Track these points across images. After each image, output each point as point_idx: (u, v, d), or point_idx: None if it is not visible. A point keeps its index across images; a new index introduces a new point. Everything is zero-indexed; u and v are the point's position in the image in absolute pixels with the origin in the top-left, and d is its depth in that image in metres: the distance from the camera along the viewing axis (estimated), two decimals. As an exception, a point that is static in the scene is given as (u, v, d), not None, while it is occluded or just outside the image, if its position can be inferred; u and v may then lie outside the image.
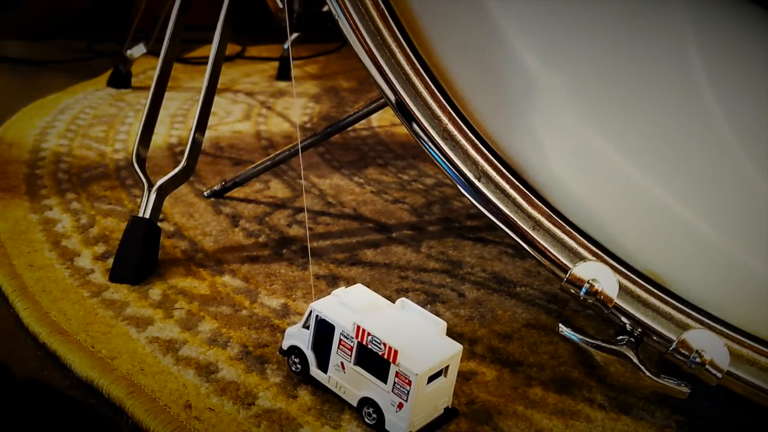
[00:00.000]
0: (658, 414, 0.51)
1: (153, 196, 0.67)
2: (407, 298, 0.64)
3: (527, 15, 0.49)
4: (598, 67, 0.48)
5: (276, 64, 1.59)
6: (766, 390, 0.46)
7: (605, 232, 0.49)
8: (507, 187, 0.49)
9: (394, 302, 0.51)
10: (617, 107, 0.48)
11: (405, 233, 0.79)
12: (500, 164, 0.49)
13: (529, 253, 0.49)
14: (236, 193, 0.87)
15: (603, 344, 0.47)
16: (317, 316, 0.49)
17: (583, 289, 0.46)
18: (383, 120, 1.24)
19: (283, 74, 1.55)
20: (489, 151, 0.49)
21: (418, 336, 0.48)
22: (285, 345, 0.52)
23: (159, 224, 0.68)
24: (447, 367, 0.47)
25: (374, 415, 0.47)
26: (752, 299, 0.47)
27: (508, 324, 0.61)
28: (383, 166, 1.01)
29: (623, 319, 0.47)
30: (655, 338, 0.47)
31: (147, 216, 0.65)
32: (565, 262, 0.48)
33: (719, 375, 0.44)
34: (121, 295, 0.61)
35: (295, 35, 1.55)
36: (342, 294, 0.50)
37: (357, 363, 0.47)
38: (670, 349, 0.45)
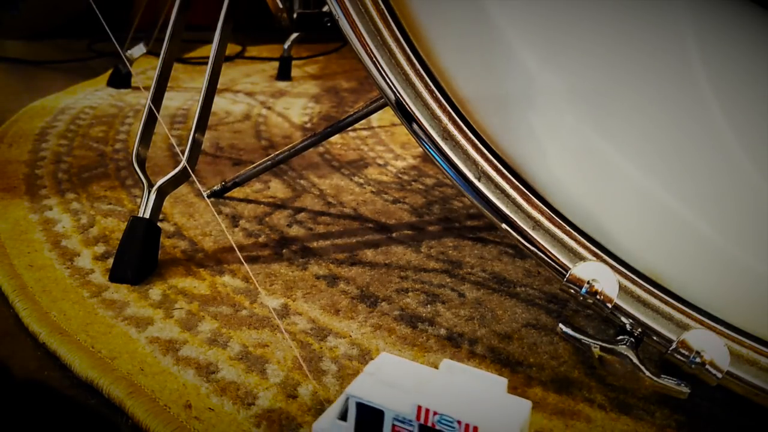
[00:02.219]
0: (658, 414, 0.51)
1: (153, 196, 0.67)
2: (407, 298, 0.64)
3: (527, 15, 0.49)
4: (598, 66, 0.48)
5: (276, 64, 1.59)
6: (766, 390, 0.46)
7: (605, 232, 0.49)
8: (507, 187, 0.49)
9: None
10: (617, 107, 0.48)
11: (405, 233, 0.79)
12: (500, 164, 0.49)
13: (529, 253, 0.49)
14: (236, 193, 0.87)
15: (603, 344, 0.47)
16: (358, 402, 0.41)
17: (583, 289, 0.46)
18: (383, 120, 1.24)
19: (283, 74, 1.55)
20: (489, 151, 0.49)
21: (484, 402, 0.41)
22: None
23: (159, 224, 0.68)
24: (524, 429, 0.41)
25: None
26: (752, 299, 0.47)
27: (508, 324, 0.61)
28: (383, 166, 1.01)
29: (623, 319, 0.47)
30: (655, 338, 0.47)
31: (147, 216, 0.65)
32: (565, 262, 0.48)
33: (719, 375, 0.44)
34: (121, 295, 0.61)
35: (295, 35, 1.56)
36: (376, 370, 0.42)
37: None
38: (670, 349, 0.45)
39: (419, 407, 0.39)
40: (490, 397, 0.41)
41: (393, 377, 0.41)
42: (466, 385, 0.42)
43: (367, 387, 0.41)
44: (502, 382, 0.42)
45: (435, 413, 0.39)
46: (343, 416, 0.41)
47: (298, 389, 0.51)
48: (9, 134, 1.03)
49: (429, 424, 0.39)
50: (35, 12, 1.77)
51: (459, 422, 0.38)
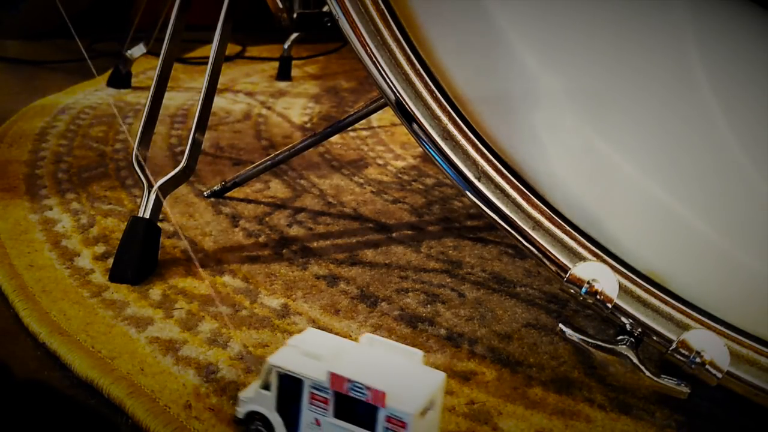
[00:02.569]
0: (658, 414, 0.51)
1: (153, 196, 0.67)
2: (407, 298, 0.64)
3: (527, 15, 0.49)
4: (598, 66, 0.48)
5: (276, 64, 1.59)
6: (766, 390, 0.46)
7: (605, 232, 0.49)
8: (507, 187, 0.49)
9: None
10: (617, 107, 0.48)
11: (405, 233, 0.79)
12: (500, 164, 0.49)
13: (529, 253, 0.49)
14: (236, 193, 0.87)
15: (603, 344, 0.47)
16: (279, 372, 0.43)
17: (583, 289, 0.46)
18: (383, 120, 1.24)
19: (283, 74, 1.55)
20: (489, 151, 0.49)
21: (398, 371, 0.43)
22: (242, 412, 0.45)
23: (159, 224, 0.68)
24: (436, 400, 0.44)
25: None
26: (752, 299, 0.47)
27: (508, 324, 0.61)
28: (383, 166, 1.01)
29: (623, 319, 0.47)
30: (655, 338, 0.47)
31: (147, 216, 0.65)
32: (565, 262, 0.48)
33: (719, 375, 0.44)
34: (121, 295, 0.61)
35: (295, 35, 1.55)
36: (299, 342, 0.45)
37: (336, 416, 0.42)
38: (670, 349, 0.45)
39: (333, 375, 0.41)
40: (404, 367, 0.44)
41: (314, 349, 0.44)
42: (383, 357, 0.44)
43: (287, 358, 0.43)
44: (419, 354, 0.44)
45: (348, 380, 0.41)
46: (267, 386, 0.44)
47: (298, 389, 0.51)
48: (9, 134, 1.03)
49: (343, 391, 0.41)
50: (35, 12, 1.77)
51: (369, 388, 0.40)
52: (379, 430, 0.41)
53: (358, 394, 0.41)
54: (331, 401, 0.42)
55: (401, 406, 0.40)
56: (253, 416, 0.45)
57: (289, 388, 0.43)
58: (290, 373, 0.43)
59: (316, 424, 0.43)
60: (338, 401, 0.42)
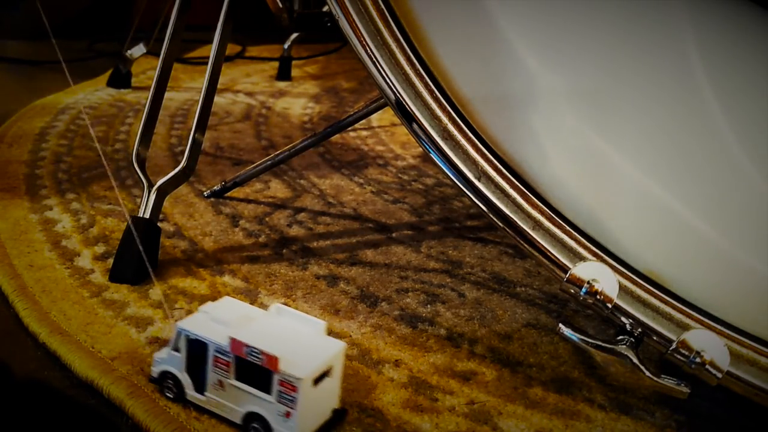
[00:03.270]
0: (658, 414, 0.51)
1: (153, 196, 0.67)
2: (407, 298, 0.64)
3: (527, 15, 0.49)
4: (598, 66, 0.48)
5: (276, 64, 1.59)
6: (766, 390, 0.46)
7: (605, 232, 0.49)
8: (507, 187, 0.49)
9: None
10: (617, 107, 0.48)
11: (405, 233, 0.79)
12: (500, 164, 0.49)
13: (529, 253, 0.49)
14: (236, 193, 0.87)
15: (603, 344, 0.47)
16: (187, 336, 0.46)
17: (583, 289, 0.46)
18: (383, 120, 1.24)
19: (283, 74, 1.55)
20: (489, 151, 0.49)
21: (298, 340, 0.46)
22: (155, 372, 0.48)
23: (159, 224, 0.68)
24: (332, 368, 0.46)
25: (261, 430, 0.45)
26: (752, 299, 0.47)
27: (508, 324, 0.61)
28: (383, 166, 1.01)
29: (623, 319, 0.47)
30: (655, 338, 0.47)
31: (147, 216, 0.65)
32: (565, 262, 0.48)
33: (719, 375, 0.44)
34: (121, 295, 0.61)
35: (295, 35, 1.55)
36: (210, 309, 0.48)
37: (237, 378, 0.45)
38: (670, 349, 0.45)
39: (233, 340, 0.44)
40: (304, 336, 0.47)
41: (222, 315, 0.47)
42: (286, 325, 0.47)
43: (196, 323, 0.47)
44: (322, 324, 0.47)
45: (246, 345, 0.44)
46: (177, 348, 0.47)
47: (298, 389, 0.51)
48: (9, 134, 1.03)
49: (242, 355, 0.44)
50: (35, 12, 1.77)
51: (263, 353, 0.43)
52: (274, 394, 0.44)
53: (255, 358, 0.44)
54: (233, 365, 0.45)
55: (293, 370, 0.43)
56: (166, 375, 0.48)
57: (197, 351, 0.46)
58: (197, 337, 0.46)
59: (220, 386, 0.46)
60: (239, 365, 0.45)
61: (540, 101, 0.49)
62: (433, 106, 0.49)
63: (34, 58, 1.56)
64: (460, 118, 0.50)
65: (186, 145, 0.70)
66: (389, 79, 0.50)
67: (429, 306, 0.63)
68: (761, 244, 0.46)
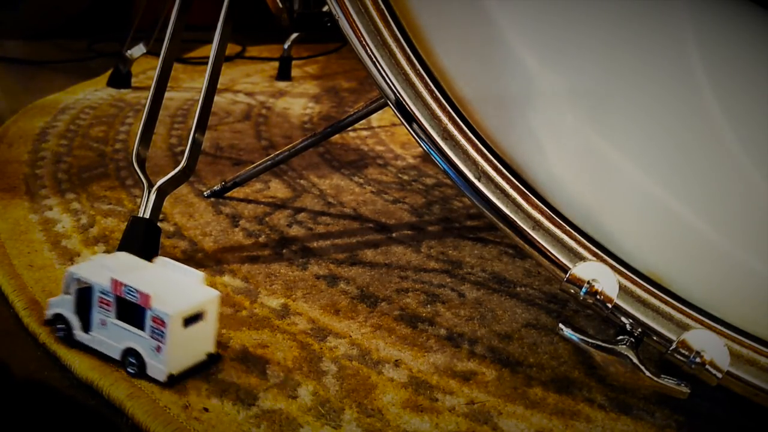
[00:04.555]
0: (658, 414, 0.51)
1: (153, 196, 0.67)
2: (407, 298, 0.64)
3: (527, 15, 0.49)
4: (598, 66, 0.48)
5: (276, 64, 1.59)
6: (766, 390, 0.46)
7: (605, 232, 0.49)
8: (507, 187, 0.49)
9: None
10: (617, 107, 0.48)
11: (405, 233, 0.79)
12: (500, 164, 0.49)
13: (529, 253, 0.49)
14: (236, 193, 0.87)
15: (603, 344, 0.47)
16: (76, 279, 0.51)
17: (583, 289, 0.46)
18: (383, 120, 1.24)
19: (283, 74, 1.55)
20: (489, 151, 0.49)
21: (174, 285, 0.51)
22: (49, 314, 0.53)
23: (159, 224, 0.68)
24: (205, 313, 0.50)
25: (136, 364, 0.49)
26: (752, 299, 0.47)
27: (508, 324, 0.61)
28: (383, 166, 1.01)
29: (623, 319, 0.47)
30: (655, 338, 0.47)
31: (147, 216, 0.65)
32: (565, 262, 0.48)
33: (719, 375, 0.44)
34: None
35: (295, 35, 1.55)
36: (100, 258, 0.53)
37: (118, 317, 0.50)
38: (670, 349, 0.45)
39: (113, 280, 0.49)
40: (181, 282, 0.51)
41: (110, 264, 0.51)
42: (167, 274, 0.52)
43: (85, 268, 0.52)
44: (200, 275, 0.52)
45: (124, 285, 0.49)
46: (68, 291, 0.52)
47: (298, 390, 0.51)
48: (9, 134, 1.03)
49: (120, 294, 0.49)
50: (35, 12, 1.77)
51: (138, 291, 0.48)
52: (147, 329, 0.49)
53: (132, 297, 0.48)
54: (113, 304, 0.50)
55: (163, 307, 0.48)
56: (58, 317, 0.53)
57: (84, 293, 0.51)
58: (83, 279, 0.51)
59: (103, 325, 0.51)
60: (119, 304, 0.50)
61: (540, 101, 0.49)
62: (433, 106, 0.49)
63: (34, 58, 1.56)
64: (460, 118, 0.50)
65: (186, 145, 0.70)
66: (389, 79, 0.50)
67: (429, 306, 0.63)
68: (761, 244, 0.46)
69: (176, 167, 0.69)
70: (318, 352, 0.55)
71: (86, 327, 0.51)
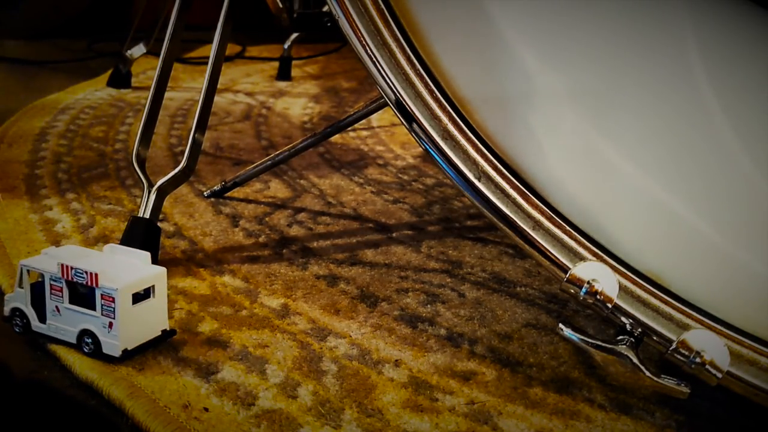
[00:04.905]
0: (658, 414, 0.51)
1: (153, 196, 0.67)
2: (407, 298, 0.64)
3: (527, 15, 0.49)
4: (598, 66, 0.48)
5: (276, 64, 1.59)
6: (766, 390, 0.46)
7: (605, 232, 0.49)
8: (507, 187, 0.49)
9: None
10: (617, 107, 0.48)
11: (405, 233, 0.79)
12: (500, 164, 0.49)
13: (529, 253, 0.49)
14: (236, 193, 0.87)
15: (603, 344, 0.47)
16: (27, 270, 0.53)
17: (583, 289, 0.46)
18: (383, 120, 1.24)
19: (283, 74, 1.55)
20: (489, 151, 0.49)
21: (121, 265, 0.53)
22: (7, 311, 0.54)
23: (159, 224, 0.68)
24: (153, 289, 0.52)
25: (91, 343, 0.51)
26: (752, 299, 0.47)
27: (508, 324, 0.61)
28: (383, 166, 1.01)
29: (623, 319, 0.47)
30: (655, 338, 0.47)
31: (147, 216, 0.65)
32: (565, 262, 0.48)
33: (719, 375, 0.44)
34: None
35: (295, 35, 1.55)
36: (51, 250, 0.54)
37: (70, 301, 0.51)
38: (670, 349, 0.45)
39: (62, 265, 0.51)
40: (128, 263, 0.54)
41: (59, 253, 0.54)
42: (114, 258, 0.54)
43: (36, 260, 0.53)
44: (146, 255, 0.54)
45: (72, 268, 0.50)
46: (21, 285, 0.53)
47: (298, 389, 0.51)
48: (9, 134, 1.03)
49: (70, 278, 0.51)
50: (35, 12, 1.77)
51: (86, 272, 0.50)
52: (98, 308, 0.50)
53: (80, 278, 0.50)
54: (65, 290, 0.52)
55: (110, 283, 0.50)
56: (15, 312, 0.54)
57: (38, 284, 0.53)
58: (35, 270, 0.53)
59: (57, 311, 0.52)
60: (70, 289, 0.52)
61: (540, 100, 0.49)
62: (433, 106, 0.49)
63: (34, 58, 1.56)
64: (460, 118, 0.50)
65: (186, 145, 0.70)
66: (389, 79, 0.50)
67: (429, 306, 0.63)
68: (761, 244, 0.46)
69: (176, 167, 0.69)
70: (318, 352, 0.55)
71: (42, 317, 0.53)
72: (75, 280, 0.50)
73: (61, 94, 1.28)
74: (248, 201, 0.85)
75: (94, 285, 0.50)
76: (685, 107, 0.47)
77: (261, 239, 0.75)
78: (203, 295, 0.63)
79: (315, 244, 0.75)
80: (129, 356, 0.51)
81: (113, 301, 0.50)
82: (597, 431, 0.49)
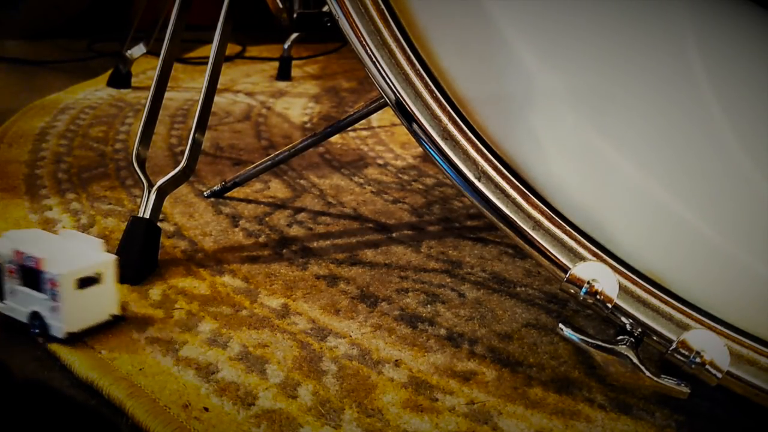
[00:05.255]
0: (658, 414, 0.51)
1: (153, 196, 0.67)
2: (407, 298, 0.64)
3: (527, 15, 0.49)
4: (598, 66, 0.48)
5: (276, 64, 1.59)
6: (766, 390, 0.46)
7: (605, 232, 0.49)
8: (507, 187, 0.49)
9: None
10: (617, 107, 0.48)
11: (405, 233, 0.79)
12: (500, 164, 0.49)
13: (529, 253, 0.49)
14: (236, 193, 0.87)
15: (603, 344, 0.47)
16: None
17: (583, 289, 0.46)
18: (383, 120, 1.24)
19: (283, 74, 1.55)
20: (489, 151, 0.49)
21: (71, 251, 0.55)
22: None
23: (159, 224, 0.68)
24: (102, 275, 0.54)
25: (39, 325, 0.54)
26: (752, 299, 0.47)
27: (508, 324, 0.61)
28: (383, 166, 1.01)
29: (623, 319, 0.47)
30: (655, 338, 0.47)
31: (147, 216, 0.65)
32: (565, 262, 0.48)
33: (719, 375, 0.44)
34: (121, 295, 0.61)
35: (295, 35, 1.56)
36: (11, 234, 0.57)
37: (23, 284, 0.54)
38: (670, 349, 0.45)
39: (15, 251, 0.54)
40: (78, 249, 0.56)
41: (17, 237, 0.56)
42: (68, 243, 0.57)
43: None
44: (98, 242, 0.56)
45: (23, 253, 0.53)
46: None
47: (299, 389, 0.51)
48: (9, 134, 1.03)
49: (22, 262, 0.54)
50: (35, 12, 1.77)
51: (33, 257, 0.53)
52: (46, 291, 0.53)
53: (29, 262, 0.53)
54: (18, 272, 0.54)
55: (55, 269, 0.52)
56: None
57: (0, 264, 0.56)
58: None
59: (13, 293, 0.55)
60: (23, 272, 0.54)
61: (540, 101, 0.49)
62: (433, 106, 0.49)
63: (34, 58, 1.56)
64: (459, 118, 0.50)
65: (186, 145, 0.70)
66: (389, 79, 0.50)
67: (429, 306, 0.63)
68: (761, 244, 0.46)
69: (176, 167, 0.69)
70: (318, 352, 0.55)
71: (1, 296, 0.56)
72: (24, 264, 0.53)
73: (61, 94, 1.28)
74: (248, 201, 0.85)
75: (41, 269, 0.52)
76: (685, 107, 0.47)
77: (261, 239, 0.75)
78: (203, 295, 0.63)
79: (315, 244, 0.75)
80: (75, 339, 0.53)
81: (57, 285, 0.52)
82: (597, 431, 0.49)
